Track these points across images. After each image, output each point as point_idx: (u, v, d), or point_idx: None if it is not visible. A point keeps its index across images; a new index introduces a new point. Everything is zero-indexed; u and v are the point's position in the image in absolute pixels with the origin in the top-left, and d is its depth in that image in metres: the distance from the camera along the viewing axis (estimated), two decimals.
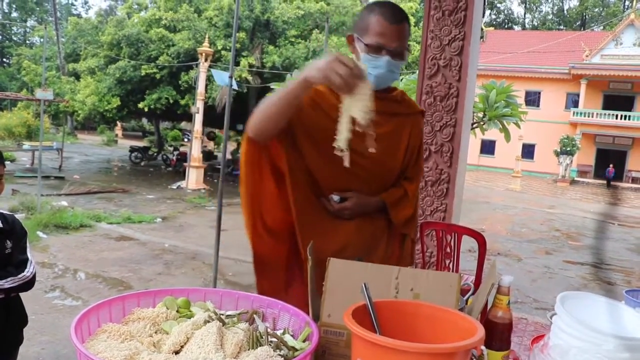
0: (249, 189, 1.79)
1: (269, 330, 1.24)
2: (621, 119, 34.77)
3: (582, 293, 1.10)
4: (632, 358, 0.93)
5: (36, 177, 11.10)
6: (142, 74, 18.05)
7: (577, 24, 59.34)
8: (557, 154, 33.57)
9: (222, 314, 1.32)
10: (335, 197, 1.79)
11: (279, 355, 1.12)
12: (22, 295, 2.35)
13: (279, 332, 1.27)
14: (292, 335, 1.26)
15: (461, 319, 1.09)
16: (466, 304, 1.54)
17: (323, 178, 1.82)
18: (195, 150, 16.59)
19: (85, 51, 21.56)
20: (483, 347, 1.03)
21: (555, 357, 1.01)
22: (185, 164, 17.67)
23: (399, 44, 1.70)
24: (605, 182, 32.90)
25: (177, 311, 1.34)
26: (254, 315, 1.33)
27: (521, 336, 4.21)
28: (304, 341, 1.21)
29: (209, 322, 1.21)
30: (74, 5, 56.12)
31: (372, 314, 1.10)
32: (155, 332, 1.25)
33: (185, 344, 1.17)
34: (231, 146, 23.75)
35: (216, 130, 29.39)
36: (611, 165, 32.77)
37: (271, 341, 1.18)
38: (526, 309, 6.78)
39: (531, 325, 4.20)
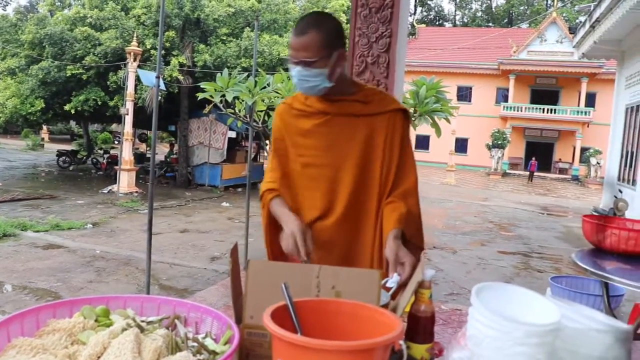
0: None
1: (188, 334, 1.21)
2: (547, 112, 36.36)
3: (496, 284, 1.12)
4: (540, 342, 0.97)
5: None
6: (68, 75, 17.36)
7: (505, 21, 61.53)
8: (489, 148, 34.73)
9: (144, 321, 1.28)
10: (395, 278, 1.62)
11: None
12: None
13: (201, 336, 1.24)
14: (214, 339, 1.23)
15: (381, 315, 1.09)
16: (392, 299, 1.56)
17: (305, 200, 1.96)
18: (126, 153, 16.15)
19: (3, 51, 20.49)
20: (402, 342, 1.04)
21: (470, 346, 1.04)
22: (116, 167, 17.19)
23: (306, 54, 1.75)
24: (528, 175, 33.37)
25: (96, 320, 1.29)
26: (176, 321, 1.30)
27: (456, 327, 4.30)
28: (225, 344, 1.19)
29: (126, 329, 1.17)
30: None
31: (293, 314, 1.09)
32: (72, 344, 1.20)
33: (102, 354, 1.12)
34: (164, 147, 23.28)
35: (148, 132, 28.75)
36: (533, 159, 33.62)
37: (191, 346, 1.16)
38: (461, 300, 6.96)
39: (465, 316, 4.30)
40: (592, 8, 13.92)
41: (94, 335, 1.19)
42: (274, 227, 1.92)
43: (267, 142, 7.33)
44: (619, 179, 14.07)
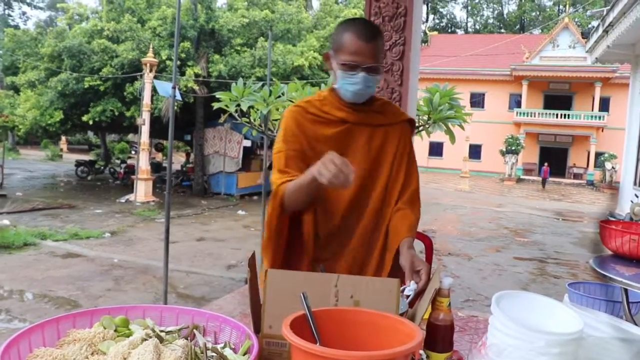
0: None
1: (207, 344, 1.21)
2: (561, 117, 36.11)
3: (517, 292, 1.12)
4: (562, 352, 0.96)
5: None
6: (86, 86, 17.58)
7: (517, 27, 61.26)
8: (503, 154, 34.49)
9: (163, 331, 1.28)
10: (412, 286, 1.58)
11: None
12: None
13: (220, 346, 1.24)
14: (233, 349, 1.24)
15: (401, 324, 1.09)
16: (410, 307, 1.55)
17: (322, 211, 1.91)
18: (142, 163, 16.29)
19: (24, 64, 20.84)
20: (422, 352, 1.04)
21: (491, 356, 1.03)
22: (133, 176, 17.34)
23: (373, 60, 1.76)
24: (541, 182, 32.50)
25: (116, 330, 1.30)
26: (195, 330, 1.30)
27: (472, 334, 4.27)
28: (244, 354, 1.19)
29: (146, 340, 1.18)
30: (11, 17, 54.20)
31: (312, 324, 1.09)
32: (92, 354, 1.21)
33: None
34: (180, 157, 23.43)
35: (164, 142, 28.95)
36: (546, 164, 32.97)
37: (211, 356, 1.16)
38: (477, 306, 6.90)
39: (482, 323, 4.25)
40: (605, 12, 13.84)
41: (114, 346, 1.19)
42: (283, 215, 1.82)
43: None
44: (635, 184, 13.90)
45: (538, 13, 60.78)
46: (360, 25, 1.79)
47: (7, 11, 53.93)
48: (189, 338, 1.27)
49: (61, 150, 36.38)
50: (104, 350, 1.20)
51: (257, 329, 1.33)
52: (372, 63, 1.75)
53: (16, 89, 21.70)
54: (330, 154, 1.55)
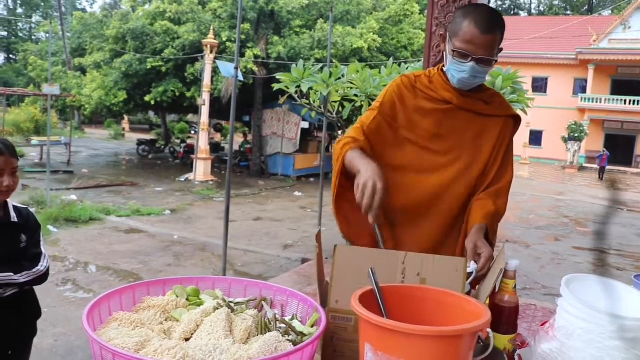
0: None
1: (277, 316, 1.25)
2: (630, 104, 34.49)
3: (586, 275, 1.10)
4: (634, 338, 0.94)
5: (45, 172, 11.19)
6: (148, 67, 18.04)
7: (585, 8, 58.71)
8: (565, 140, 33.34)
9: (231, 302, 1.33)
10: (472, 266, 1.58)
11: (288, 340, 1.13)
12: (35, 287, 2.38)
13: (287, 318, 1.28)
14: (300, 321, 1.27)
15: (467, 302, 1.10)
16: (472, 288, 1.55)
17: (401, 184, 1.89)
18: (202, 143, 16.63)
19: (90, 45, 21.56)
20: (489, 330, 1.05)
21: (560, 338, 1.02)
22: (192, 156, 17.74)
23: (487, 52, 1.72)
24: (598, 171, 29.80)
25: (187, 299, 1.36)
26: (263, 302, 1.35)
27: (530, 322, 4.21)
28: (312, 326, 1.22)
29: (218, 309, 1.23)
30: (79, 0, 56.14)
31: (379, 299, 1.11)
32: (166, 320, 1.27)
33: (195, 331, 1.19)
34: (238, 137, 23.77)
35: (223, 122, 29.41)
36: (603, 151, 30.16)
37: (280, 327, 1.20)
38: (535, 295, 6.78)
39: (540, 311, 4.18)
40: None
41: (186, 314, 1.25)
42: (345, 180, 1.82)
43: (340, 132, 7.36)
44: None
45: None
46: (481, 14, 1.74)
47: None
48: (257, 309, 1.32)
49: (123, 129, 37.48)
50: (176, 317, 1.26)
51: (323, 303, 1.36)
52: (485, 55, 1.72)
53: (83, 70, 22.47)
54: (376, 179, 1.57)
